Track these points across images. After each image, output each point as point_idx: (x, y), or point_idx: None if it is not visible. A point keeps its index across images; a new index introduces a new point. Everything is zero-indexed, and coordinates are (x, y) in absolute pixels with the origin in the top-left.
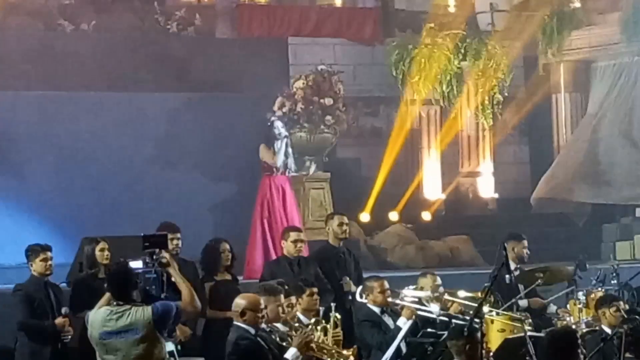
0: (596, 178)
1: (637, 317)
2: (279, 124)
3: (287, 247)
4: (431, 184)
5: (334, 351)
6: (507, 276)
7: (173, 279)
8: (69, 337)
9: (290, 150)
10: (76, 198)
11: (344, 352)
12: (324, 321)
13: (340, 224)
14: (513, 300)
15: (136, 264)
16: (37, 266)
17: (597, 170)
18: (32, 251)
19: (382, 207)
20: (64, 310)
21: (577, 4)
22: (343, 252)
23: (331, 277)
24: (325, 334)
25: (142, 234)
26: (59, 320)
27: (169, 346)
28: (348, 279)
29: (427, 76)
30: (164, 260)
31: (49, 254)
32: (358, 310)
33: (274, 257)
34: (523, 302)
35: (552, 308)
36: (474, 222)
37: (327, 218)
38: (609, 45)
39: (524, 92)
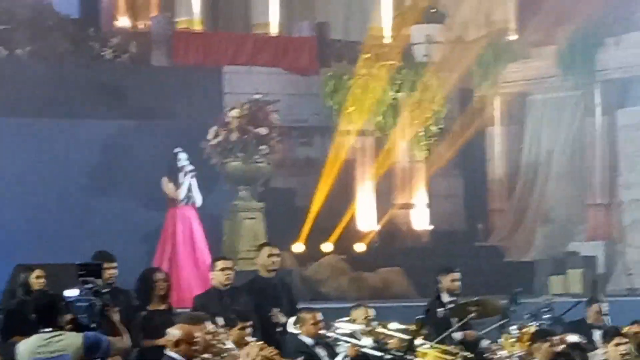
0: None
1: (570, 352)
2: (183, 157)
3: (217, 276)
4: (365, 215)
5: None
6: (438, 310)
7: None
8: None
9: (195, 183)
10: (7, 225)
11: None
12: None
13: (270, 255)
14: (446, 333)
15: (71, 292)
16: None
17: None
18: None
19: (316, 238)
20: None
21: (513, 37)
22: (275, 282)
23: (261, 309)
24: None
25: (77, 263)
26: None
27: None
28: (277, 310)
29: (362, 107)
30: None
31: None
32: (290, 342)
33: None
34: (457, 335)
35: (485, 342)
36: (407, 253)
37: (257, 248)
38: (544, 79)
39: (459, 125)
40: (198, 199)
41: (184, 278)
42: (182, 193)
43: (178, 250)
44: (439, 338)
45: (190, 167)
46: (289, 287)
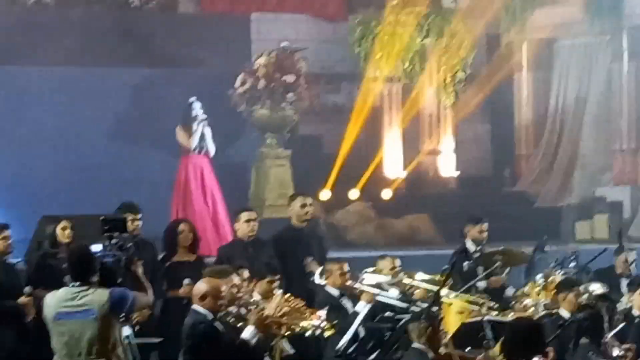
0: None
1: (598, 304)
2: (197, 106)
3: (241, 228)
4: (392, 162)
5: (295, 315)
6: (464, 263)
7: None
8: (31, 317)
9: (209, 133)
10: (34, 174)
11: (307, 312)
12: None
13: (303, 205)
14: (472, 282)
15: (96, 247)
16: None
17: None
18: None
19: (343, 185)
20: (27, 289)
21: None
22: (307, 232)
23: (294, 259)
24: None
25: (101, 217)
26: (22, 300)
27: (126, 330)
28: (310, 259)
29: (389, 54)
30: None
31: (7, 232)
32: (317, 293)
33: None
34: (482, 284)
35: (510, 290)
36: (434, 200)
37: (290, 199)
38: (571, 24)
39: (487, 71)
40: (211, 148)
41: (199, 227)
42: (194, 142)
43: (192, 198)
44: (464, 287)
45: (204, 116)
46: (321, 237)
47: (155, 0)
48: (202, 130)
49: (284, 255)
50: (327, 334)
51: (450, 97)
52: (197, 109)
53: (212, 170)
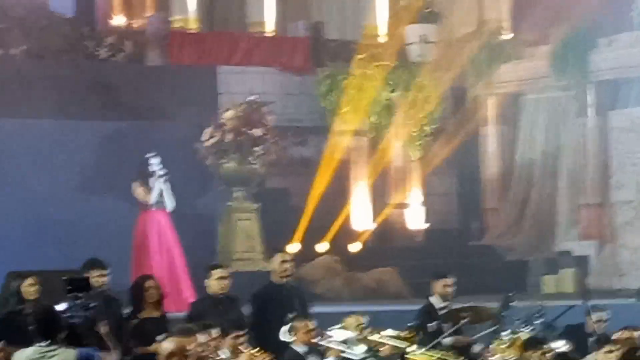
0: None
1: None
2: (155, 161)
3: (212, 285)
4: (360, 215)
5: None
6: (429, 324)
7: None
8: None
9: (168, 188)
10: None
11: None
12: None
13: (283, 262)
14: (439, 339)
15: (61, 306)
16: None
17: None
18: None
19: (311, 238)
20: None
21: (507, 36)
22: (288, 288)
23: (275, 315)
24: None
25: (64, 277)
26: None
27: None
28: (292, 315)
29: (356, 107)
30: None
31: None
32: (284, 351)
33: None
34: (448, 340)
35: (477, 347)
36: (402, 253)
37: (270, 256)
38: (537, 79)
39: (453, 125)
40: (170, 204)
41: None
42: (153, 197)
43: (150, 254)
44: (431, 344)
45: (162, 171)
46: (302, 293)
47: (123, 52)
48: (160, 186)
49: (264, 312)
50: None
51: (417, 150)
52: (155, 164)
53: (171, 225)
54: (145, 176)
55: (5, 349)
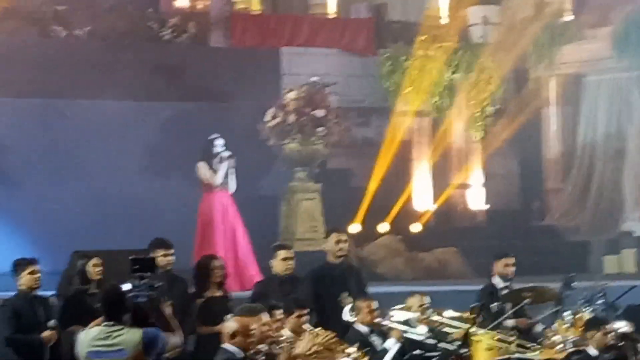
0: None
1: (624, 342)
2: (219, 142)
3: (277, 265)
4: (421, 196)
5: (325, 353)
6: (492, 305)
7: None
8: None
9: (232, 170)
10: (66, 207)
11: (339, 348)
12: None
13: (338, 242)
14: (500, 319)
15: (126, 286)
16: (24, 280)
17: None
18: (19, 265)
19: (372, 218)
20: (52, 323)
21: (569, 18)
22: (343, 268)
23: (330, 295)
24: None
25: (130, 257)
26: (46, 334)
27: None
28: (346, 295)
29: (419, 88)
30: (156, 285)
31: (36, 267)
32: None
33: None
34: (510, 322)
35: (539, 327)
36: (463, 233)
37: (326, 235)
38: (599, 60)
39: (515, 105)
40: (233, 186)
41: None
42: (218, 179)
43: (215, 234)
44: (493, 324)
45: (227, 153)
46: (359, 272)
47: (187, 33)
48: (225, 167)
49: (320, 291)
50: None
51: (479, 131)
52: (219, 145)
53: (234, 206)
54: (209, 157)
55: (57, 328)
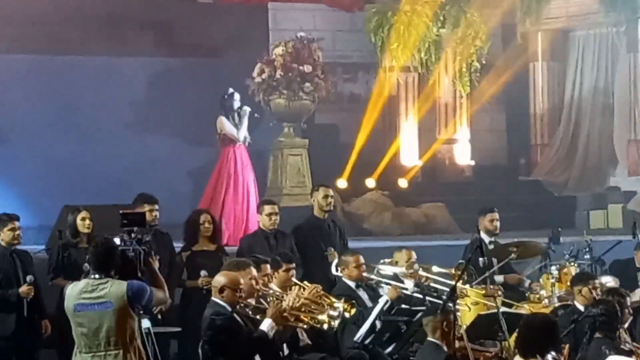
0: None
1: (610, 298)
2: (237, 97)
3: (262, 220)
4: (408, 151)
5: (313, 307)
6: (480, 259)
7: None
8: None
9: (246, 123)
10: (54, 161)
11: (325, 301)
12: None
13: (325, 197)
14: (487, 274)
15: (115, 241)
16: (4, 235)
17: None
18: (0, 221)
19: (359, 174)
20: (28, 278)
21: None
22: (328, 223)
23: (316, 249)
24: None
25: (120, 211)
26: (23, 289)
27: (145, 323)
28: (332, 249)
29: (405, 43)
30: (145, 239)
31: (16, 223)
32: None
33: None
34: (499, 278)
35: (525, 282)
36: (450, 189)
37: (312, 190)
38: (587, 15)
39: (502, 61)
40: (247, 138)
41: (236, 217)
42: (242, 133)
43: (234, 188)
44: (479, 279)
45: (249, 109)
46: (342, 228)
47: None
48: (246, 122)
49: (306, 245)
50: (348, 314)
51: (466, 86)
52: (238, 100)
53: (250, 160)
54: (228, 112)
55: (55, 282)
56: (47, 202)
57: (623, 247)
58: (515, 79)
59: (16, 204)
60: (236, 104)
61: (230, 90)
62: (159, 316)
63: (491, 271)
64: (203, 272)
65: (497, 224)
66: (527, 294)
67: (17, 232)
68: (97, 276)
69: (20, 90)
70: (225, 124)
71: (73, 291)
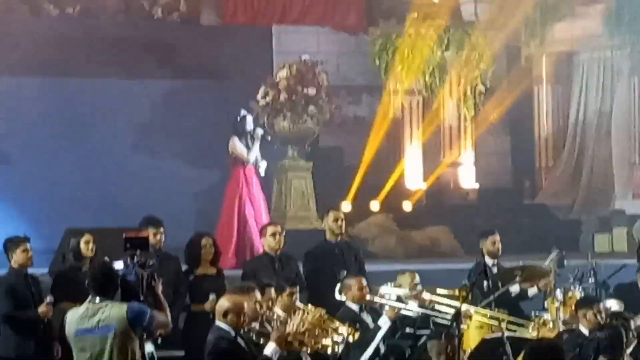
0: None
1: (615, 322)
2: (249, 119)
3: (267, 242)
4: (413, 174)
5: (317, 331)
6: (484, 282)
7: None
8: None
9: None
10: (59, 184)
11: (330, 326)
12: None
13: (336, 220)
14: (491, 297)
15: (118, 264)
16: (17, 257)
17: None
18: (12, 242)
19: (363, 197)
20: (48, 298)
21: None
22: (342, 247)
23: (328, 273)
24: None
25: (124, 235)
26: (42, 309)
27: (149, 347)
28: (345, 272)
29: (410, 66)
30: (147, 263)
31: (28, 245)
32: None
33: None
34: (515, 288)
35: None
36: (454, 212)
37: (323, 215)
38: (591, 38)
39: (506, 83)
40: (263, 163)
41: (247, 239)
42: (253, 155)
43: (246, 210)
44: (484, 302)
45: (262, 131)
46: (357, 250)
47: (178, 12)
48: (259, 144)
49: (318, 269)
50: (352, 339)
51: (470, 109)
52: (250, 122)
53: (260, 181)
54: (241, 134)
55: (50, 304)
56: (52, 225)
57: (628, 271)
58: (520, 101)
59: (23, 227)
60: (249, 126)
61: (243, 112)
62: (159, 340)
63: (496, 295)
64: (212, 296)
65: (499, 245)
66: (532, 318)
67: (30, 254)
68: (97, 300)
69: (28, 112)
70: (237, 146)
71: (74, 317)
